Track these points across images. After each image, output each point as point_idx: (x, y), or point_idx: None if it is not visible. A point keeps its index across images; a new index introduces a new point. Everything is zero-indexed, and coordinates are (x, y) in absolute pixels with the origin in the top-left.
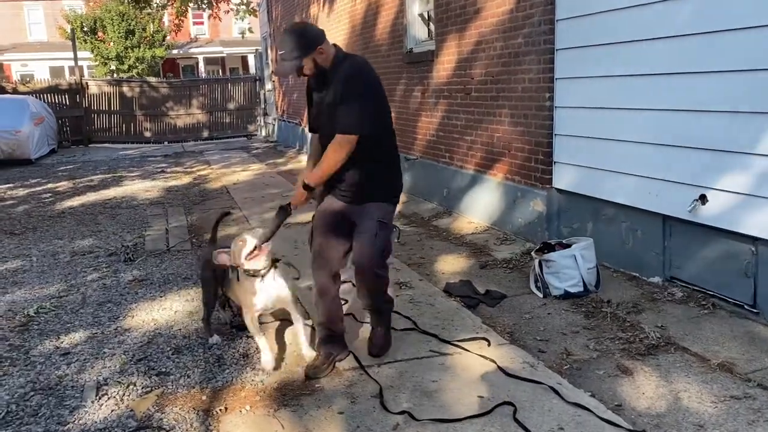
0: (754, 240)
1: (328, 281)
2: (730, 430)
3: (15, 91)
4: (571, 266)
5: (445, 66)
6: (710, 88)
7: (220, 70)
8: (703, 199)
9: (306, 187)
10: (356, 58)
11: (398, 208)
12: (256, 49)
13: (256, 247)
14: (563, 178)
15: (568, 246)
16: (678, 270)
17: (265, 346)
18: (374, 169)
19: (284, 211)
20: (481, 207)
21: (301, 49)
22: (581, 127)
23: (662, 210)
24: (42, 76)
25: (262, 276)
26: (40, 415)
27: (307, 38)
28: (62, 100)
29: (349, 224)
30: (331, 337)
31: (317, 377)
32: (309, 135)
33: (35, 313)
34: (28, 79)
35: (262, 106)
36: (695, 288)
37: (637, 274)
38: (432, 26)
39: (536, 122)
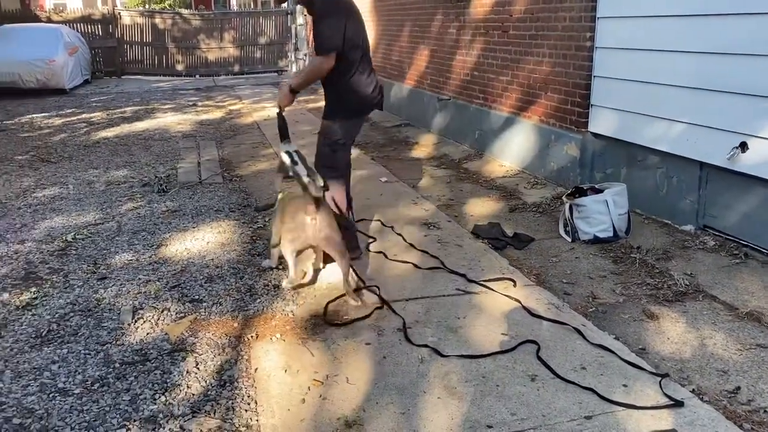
0: None
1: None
2: (754, 377)
3: (49, 21)
4: (603, 211)
5: (483, 2)
6: (754, 30)
7: (252, 3)
8: (743, 146)
9: (291, 89)
10: None
11: (428, 149)
12: None
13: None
14: (599, 122)
15: (601, 191)
16: (712, 219)
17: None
18: (330, 89)
19: (279, 115)
20: (513, 150)
21: None
22: (621, 69)
23: (700, 157)
24: (75, 5)
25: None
26: (79, 334)
27: None
28: (95, 30)
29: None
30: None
31: None
32: None
33: (73, 239)
34: (61, 9)
35: (293, 41)
36: (728, 237)
37: (670, 222)
38: None
39: (575, 63)
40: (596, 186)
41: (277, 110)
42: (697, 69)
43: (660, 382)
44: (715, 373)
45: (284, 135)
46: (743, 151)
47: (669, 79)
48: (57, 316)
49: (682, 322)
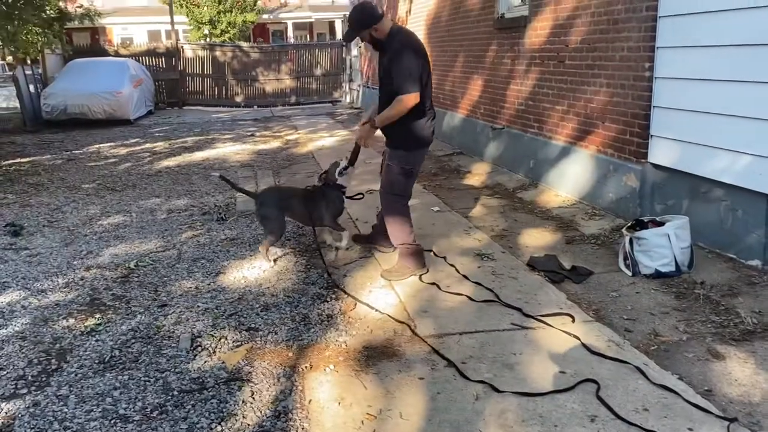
0: None
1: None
2: None
3: (116, 54)
4: (664, 245)
5: (538, 32)
6: None
7: (308, 36)
8: None
9: (372, 124)
10: (402, 32)
11: (481, 178)
12: (344, 15)
13: (347, 166)
14: (660, 153)
15: (662, 224)
16: None
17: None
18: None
19: (357, 150)
20: (569, 180)
21: (359, 24)
22: (682, 100)
23: (766, 190)
24: (140, 39)
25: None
26: (140, 361)
27: (364, 17)
28: (159, 63)
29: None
30: (410, 253)
31: (388, 279)
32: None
33: (135, 266)
34: (128, 43)
35: (348, 72)
36: None
37: (735, 256)
38: None
39: (633, 93)
40: (657, 218)
41: (355, 145)
42: (762, 99)
43: (728, 426)
44: None
45: (352, 161)
46: None
47: (732, 110)
48: (119, 342)
49: (750, 362)
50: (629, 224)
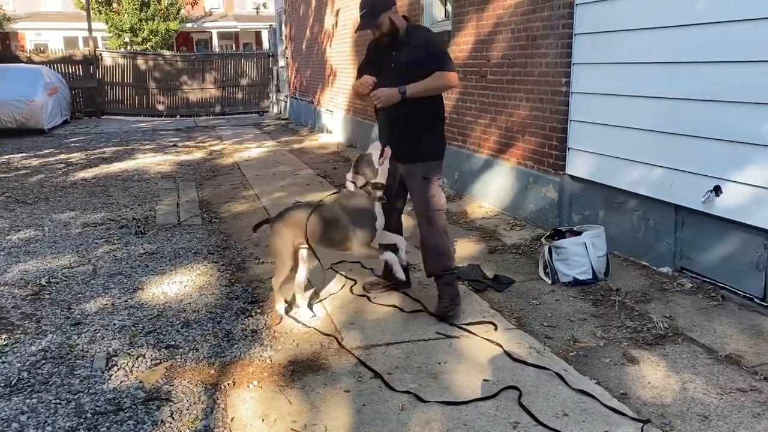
0: (766, 233)
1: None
2: (735, 422)
3: (29, 61)
4: (581, 254)
5: (461, 47)
6: (728, 79)
7: (234, 45)
8: (717, 190)
9: (402, 92)
10: (424, 28)
11: None
12: (270, 25)
13: (383, 151)
14: (576, 165)
15: (579, 233)
16: (688, 261)
17: (394, 259)
18: (430, 124)
19: (378, 112)
20: (492, 192)
21: (381, 5)
22: (597, 114)
23: (675, 200)
24: (56, 46)
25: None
26: (50, 383)
27: None
28: (76, 70)
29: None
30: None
31: (368, 291)
32: (322, 110)
33: (47, 282)
34: (42, 49)
35: (275, 82)
36: (705, 279)
37: (647, 264)
38: (449, 6)
39: (551, 107)
40: (575, 228)
41: (377, 106)
42: (671, 114)
43: (642, 428)
44: (696, 419)
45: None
46: (717, 195)
47: (644, 124)
48: (28, 363)
49: (662, 365)
50: (548, 234)
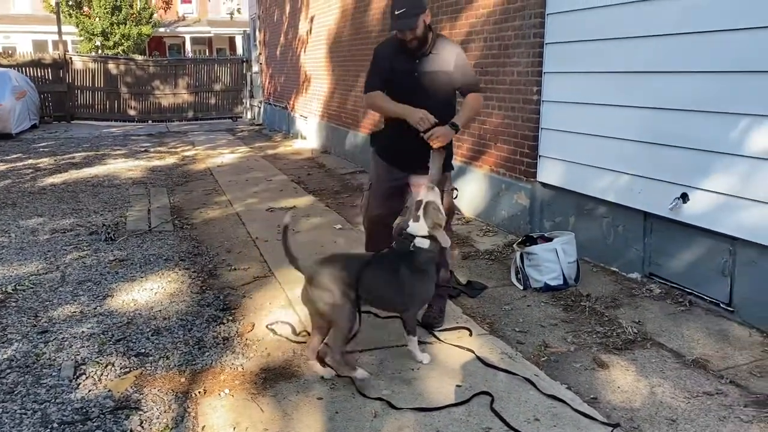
0: (732, 240)
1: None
2: (701, 425)
3: None
4: (552, 260)
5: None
6: (694, 88)
7: (207, 51)
8: (684, 197)
9: (454, 126)
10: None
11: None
12: (244, 31)
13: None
14: (548, 172)
15: (550, 239)
16: (657, 267)
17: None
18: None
19: (438, 152)
20: (465, 198)
21: (420, 6)
22: (567, 122)
23: (644, 207)
24: (25, 49)
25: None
26: (16, 393)
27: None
28: (45, 74)
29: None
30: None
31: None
32: (297, 116)
33: (13, 289)
34: (10, 52)
35: (249, 88)
36: (673, 285)
37: (617, 270)
38: None
39: (523, 115)
40: (546, 234)
41: (437, 148)
42: (640, 123)
43: None
44: (664, 422)
45: (438, 176)
46: (684, 202)
47: (613, 132)
48: None
49: (631, 370)
50: (520, 240)
